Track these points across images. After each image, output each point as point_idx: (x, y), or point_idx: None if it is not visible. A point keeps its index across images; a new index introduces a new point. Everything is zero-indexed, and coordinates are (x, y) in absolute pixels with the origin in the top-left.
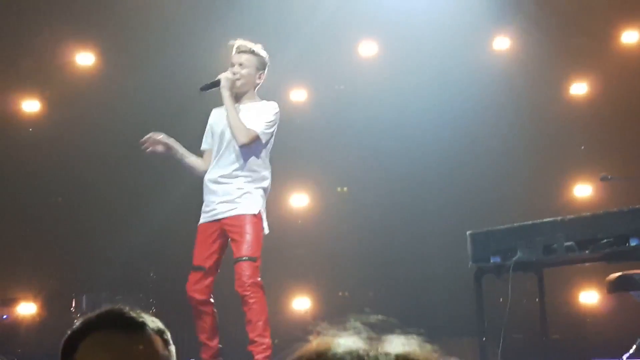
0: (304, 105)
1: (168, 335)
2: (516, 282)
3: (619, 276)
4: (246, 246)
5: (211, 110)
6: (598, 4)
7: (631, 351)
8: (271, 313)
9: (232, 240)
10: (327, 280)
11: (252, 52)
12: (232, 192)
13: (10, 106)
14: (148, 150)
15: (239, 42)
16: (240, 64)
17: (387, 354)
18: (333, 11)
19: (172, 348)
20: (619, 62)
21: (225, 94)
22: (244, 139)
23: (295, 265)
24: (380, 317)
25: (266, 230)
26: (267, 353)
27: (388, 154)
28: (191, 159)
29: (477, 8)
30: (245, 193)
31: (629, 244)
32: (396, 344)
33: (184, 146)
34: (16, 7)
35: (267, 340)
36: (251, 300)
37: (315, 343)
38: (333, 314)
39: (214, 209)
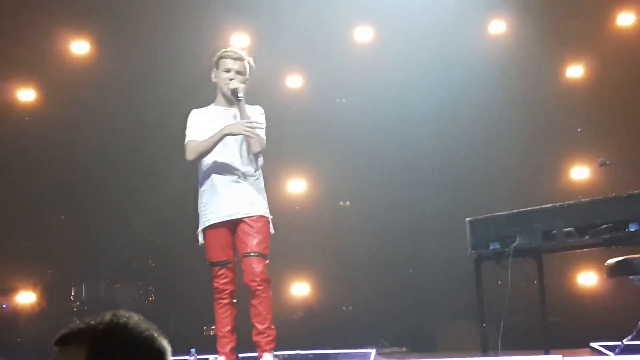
0: (300, 91)
1: (111, 349)
2: (515, 265)
3: (619, 261)
4: (259, 244)
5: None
6: None
7: (632, 335)
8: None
9: (245, 237)
10: (325, 266)
11: (246, 60)
12: (248, 193)
13: (6, 96)
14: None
15: (232, 49)
16: (238, 72)
17: None
18: None
19: None
20: (615, 45)
21: (244, 104)
22: (260, 147)
23: (293, 251)
24: (396, 349)
25: (272, 231)
26: (273, 344)
27: (385, 140)
28: None
29: None
30: (259, 195)
31: (628, 229)
32: None
33: (175, 134)
34: None
35: (274, 332)
36: (263, 295)
37: None
38: (331, 299)
39: (231, 209)
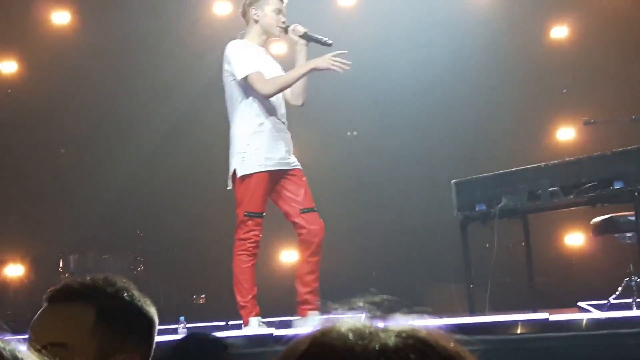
0: (284, 58)
1: (118, 311)
2: (502, 228)
3: (604, 219)
4: (311, 197)
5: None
6: None
7: (617, 293)
8: (260, 265)
9: (298, 191)
10: None
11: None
12: (291, 143)
13: None
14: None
15: None
16: (284, 15)
17: (388, 330)
18: None
19: (113, 324)
20: (600, 4)
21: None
22: (305, 97)
23: (282, 218)
24: (386, 296)
25: None
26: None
27: (369, 104)
28: None
29: None
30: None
31: (612, 187)
32: (400, 321)
33: (163, 104)
34: None
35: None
36: (320, 249)
37: (321, 324)
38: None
39: (286, 157)
